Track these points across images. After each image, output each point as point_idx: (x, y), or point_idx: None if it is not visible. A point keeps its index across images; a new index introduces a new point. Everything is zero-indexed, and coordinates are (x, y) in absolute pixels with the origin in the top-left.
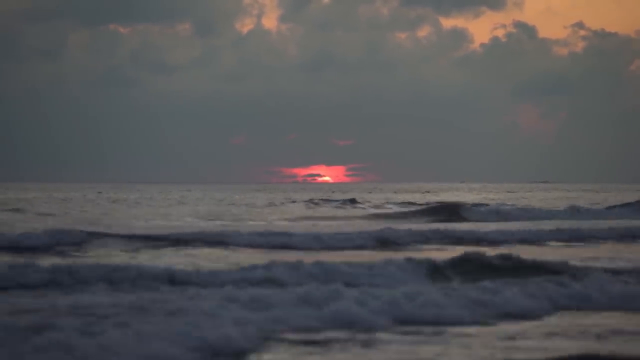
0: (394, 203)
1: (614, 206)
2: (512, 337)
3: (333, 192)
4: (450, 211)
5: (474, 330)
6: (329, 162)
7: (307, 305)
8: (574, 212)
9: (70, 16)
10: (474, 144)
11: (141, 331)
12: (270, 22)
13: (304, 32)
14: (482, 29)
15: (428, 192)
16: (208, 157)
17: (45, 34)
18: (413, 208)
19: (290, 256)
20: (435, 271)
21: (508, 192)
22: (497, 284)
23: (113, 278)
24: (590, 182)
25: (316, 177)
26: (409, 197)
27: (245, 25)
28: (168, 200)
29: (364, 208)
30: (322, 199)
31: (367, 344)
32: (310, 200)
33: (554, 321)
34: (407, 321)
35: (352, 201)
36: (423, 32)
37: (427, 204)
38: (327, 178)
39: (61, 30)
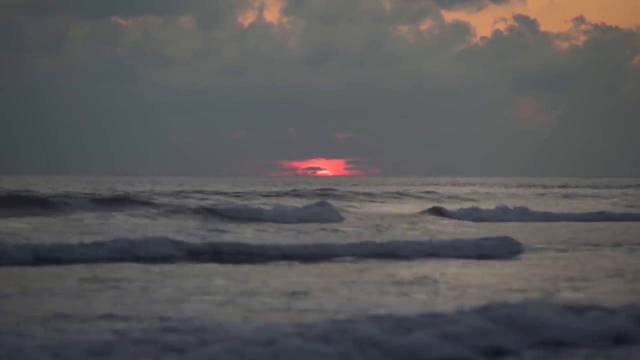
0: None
1: None
2: None
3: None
4: None
5: None
6: (329, 156)
7: None
8: None
9: (71, 8)
10: (474, 138)
11: None
12: (272, 15)
13: (305, 25)
14: (484, 22)
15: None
16: (207, 150)
17: (46, 26)
18: None
19: None
20: None
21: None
22: None
23: None
24: (593, 177)
25: (316, 171)
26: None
27: (247, 18)
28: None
29: None
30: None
31: None
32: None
33: None
34: None
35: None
36: (425, 25)
37: None
38: (326, 171)
39: (62, 22)
